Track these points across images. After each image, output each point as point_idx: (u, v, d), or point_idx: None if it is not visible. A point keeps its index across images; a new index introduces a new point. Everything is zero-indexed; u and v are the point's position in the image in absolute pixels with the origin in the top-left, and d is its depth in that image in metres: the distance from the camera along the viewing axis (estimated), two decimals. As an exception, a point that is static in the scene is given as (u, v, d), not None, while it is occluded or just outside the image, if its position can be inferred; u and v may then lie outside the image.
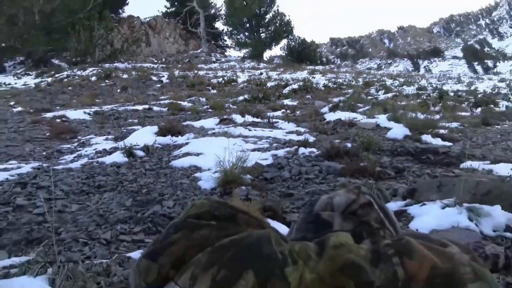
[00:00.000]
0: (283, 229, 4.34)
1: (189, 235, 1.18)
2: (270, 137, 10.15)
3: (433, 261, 1.06)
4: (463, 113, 15.40)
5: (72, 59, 39.58)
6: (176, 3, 61.70)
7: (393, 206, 5.11)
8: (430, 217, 4.42)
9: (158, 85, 27.32)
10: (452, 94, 20.74)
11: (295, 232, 1.39)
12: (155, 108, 16.95)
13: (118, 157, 8.17)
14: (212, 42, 59.37)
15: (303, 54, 55.19)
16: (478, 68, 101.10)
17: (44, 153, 9.29)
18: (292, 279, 1.03)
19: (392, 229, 1.38)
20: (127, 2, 57.07)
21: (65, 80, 29.18)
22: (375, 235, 1.32)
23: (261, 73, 33.63)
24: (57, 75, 31.25)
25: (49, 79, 29.84)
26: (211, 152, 7.28)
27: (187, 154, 8.31)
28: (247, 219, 1.24)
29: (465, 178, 4.80)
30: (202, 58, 50.36)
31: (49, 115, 14.87)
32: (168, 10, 62.54)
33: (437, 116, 13.48)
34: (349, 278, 1.04)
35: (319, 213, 1.37)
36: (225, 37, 63.39)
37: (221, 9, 60.87)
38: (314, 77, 29.41)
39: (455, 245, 1.17)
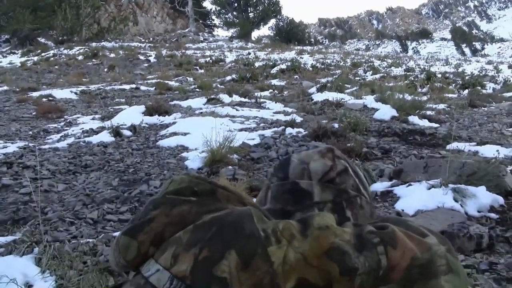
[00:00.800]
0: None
1: (168, 212, 1.15)
2: (257, 117, 10.14)
3: (414, 252, 1.07)
4: (450, 95, 15.46)
5: (58, 38, 39.23)
6: (163, -19, 61.29)
7: (380, 186, 5.14)
8: (416, 197, 4.45)
9: (146, 65, 27.22)
10: (439, 75, 20.79)
11: (271, 201, 1.34)
12: (142, 87, 16.89)
13: (105, 137, 8.13)
14: (200, 21, 58.99)
15: (291, 34, 55.14)
16: (466, 50, 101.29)
17: (30, 132, 9.23)
18: (275, 258, 1.02)
19: (366, 195, 1.38)
20: (114, -20, 56.56)
21: (52, 59, 28.96)
22: (353, 204, 1.33)
23: (249, 53, 33.54)
24: (43, 54, 30.99)
25: (35, 58, 29.59)
26: (198, 131, 7.26)
27: (174, 133, 8.30)
28: (227, 195, 1.21)
29: (451, 159, 4.82)
30: (190, 37, 50.09)
31: (35, 94, 14.76)
32: (156, -11, 62.10)
33: (424, 98, 13.53)
34: (334, 263, 1.03)
35: (297, 182, 1.32)
36: (213, 17, 63.09)
37: (209, -12, 60.54)
38: (302, 58, 29.36)
39: (433, 235, 1.17)
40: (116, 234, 3.79)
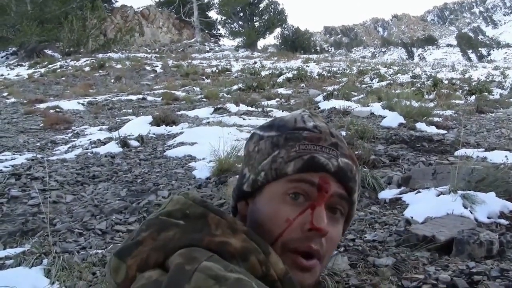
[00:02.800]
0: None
1: (156, 236, 1.09)
2: (264, 126, 10.13)
3: None
4: (457, 101, 15.43)
5: (65, 49, 39.42)
6: (169, -8, 61.52)
7: (388, 194, 5.12)
8: (425, 204, 4.44)
9: (152, 75, 27.30)
10: (446, 82, 20.78)
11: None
12: (149, 98, 16.94)
13: (113, 147, 8.16)
14: (206, 31, 59.12)
15: (297, 43, 55.17)
16: (472, 56, 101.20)
17: (38, 144, 9.27)
18: None
19: None
20: (120, -9, 56.90)
21: (59, 70, 29.11)
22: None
23: (255, 62, 33.61)
24: (50, 66, 31.15)
25: (42, 70, 29.74)
26: (206, 141, 7.27)
27: (181, 143, 8.31)
28: (217, 220, 1.11)
29: (459, 165, 4.81)
30: (196, 47, 50.23)
31: (42, 105, 14.84)
32: (161, 0, 62.31)
33: (432, 104, 13.48)
34: None
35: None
36: (219, 26, 63.19)
37: (214, -2, 60.72)
38: (308, 66, 29.42)
39: None
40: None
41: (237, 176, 1.37)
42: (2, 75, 29.15)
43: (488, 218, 4.16)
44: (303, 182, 1.19)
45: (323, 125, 1.28)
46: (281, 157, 1.21)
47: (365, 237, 3.96)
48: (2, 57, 40.58)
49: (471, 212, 4.15)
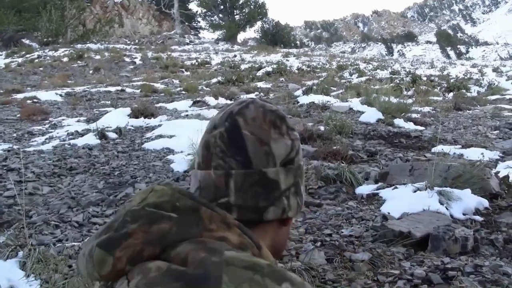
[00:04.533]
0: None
1: (147, 228, 1.05)
2: (243, 119, 10.13)
3: None
4: (436, 98, 15.54)
5: (43, 39, 39.00)
6: (149, -17, 61.26)
7: (365, 189, 5.16)
8: (402, 200, 4.48)
9: (131, 67, 27.14)
10: (425, 78, 20.87)
11: (236, 194, 1.21)
12: (128, 89, 16.84)
13: (91, 139, 8.11)
14: (186, 23, 58.92)
15: (277, 37, 55.20)
16: (451, 53, 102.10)
17: (14, 134, 9.17)
18: None
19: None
20: (99, -18, 56.45)
21: (36, 60, 28.79)
22: (302, 175, 1.31)
23: (235, 56, 33.54)
24: (28, 56, 30.79)
25: (20, 60, 29.40)
26: (184, 134, 7.24)
27: (160, 136, 8.28)
28: (210, 214, 1.08)
29: (436, 162, 4.85)
30: (176, 39, 50.00)
31: (19, 96, 14.69)
32: (142, -9, 62.05)
33: (410, 101, 13.59)
34: None
35: (265, 172, 1.21)
36: (199, 19, 63.08)
37: (195, -10, 60.53)
38: (288, 60, 29.40)
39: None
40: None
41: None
42: (-22, 64, 28.83)
43: (464, 214, 4.22)
44: None
45: None
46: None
47: (342, 232, 3.98)
48: (-22, 46, 40.12)
49: (447, 209, 4.20)
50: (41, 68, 25.48)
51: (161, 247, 1.04)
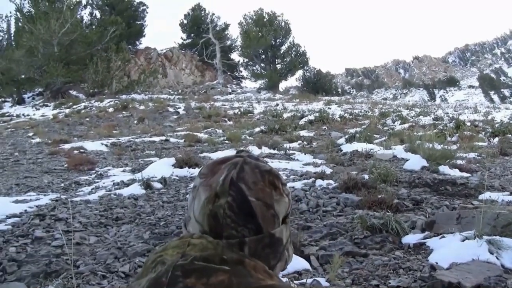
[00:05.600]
0: (301, 263, 4.34)
1: (206, 281, 1.07)
2: (287, 168, 10.14)
3: None
4: (481, 143, 15.31)
5: (89, 90, 40.07)
6: (192, 34, 62.50)
7: (412, 238, 5.08)
8: (450, 249, 4.39)
9: (175, 116, 27.51)
10: (469, 124, 20.63)
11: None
12: (171, 139, 17.06)
13: (136, 189, 8.21)
14: (228, 73, 59.70)
15: (318, 84, 55.33)
16: (495, 97, 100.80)
17: (62, 184, 9.35)
18: None
19: None
20: (144, 34, 57.94)
21: (83, 111, 29.52)
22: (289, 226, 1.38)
23: (277, 104, 33.75)
24: (74, 106, 31.63)
25: (67, 110, 30.20)
26: (228, 184, 7.25)
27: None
28: (254, 265, 1.15)
29: (484, 210, 4.75)
30: (218, 89, 50.65)
31: (67, 146, 15.03)
32: (184, 42, 63.28)
33: (454, 147, 13.40)
34: None
35: (273, 233, 1.27)
36: (241, 68, 63.91)
37: (236, 41, 61.53)
38: (330, 108, 29.44)
39: None
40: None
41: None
42: (28, 115, 29.66)
43: (515, 264, 4.11)
44: None
45: None
46: None
47: (389, 283, 3.92)
48: (28, 98, 41.31)
49: (497, 258, 4.10)
50: (87, 119, 26.06)
51: None
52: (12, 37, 48.56)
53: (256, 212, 1.24)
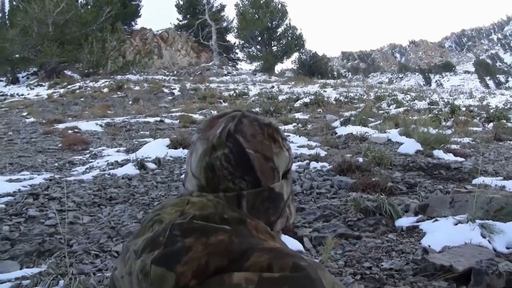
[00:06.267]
0: (294, 244, 4.35)
1: (205, 241, 1.02)
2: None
3: None
4: (475, 128, 15.34)
5: (84, 71, 39.84)
6: (188, 16, 62.07)
7: (405, 221, 5.09)
8: (442, 233, 4.40)
9: (170, 97, 27.42)
10: (464, 109, 20.64)
11: (250, 212, 1.20)
12: (166, 120, 17.03)
13: (130, 169, 8.20)
14: (224, 55, 59.51)
15: (314, 67, 55.18)
16: (490, 83, 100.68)
17: (56, 164, 9.34)
18: None
19: None
20: (139, 14, 57.53)
21: (78, 91, 29.39)
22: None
23: (273, 87, 33.67)
24: (69, 86, 31.47)
25: (62, 90, 30.04)
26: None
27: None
28: (255, 225, 1.11)
29: (477, 194, 4.77)
30: (214, 70, 50.47)
31: (61, 126, 14.98)
32: (180, 23, 62.84)
33: (449, 131, 13.43)
34: None
35: (273, 188, 1.23)
36: (237, 50, 63.65)
37: (233, 22, 61.19)
38: (325, 91, 29.38)
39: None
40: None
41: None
42: (22, 94, 29.54)
43: (507, 248, 4.13)
44: None
45: None
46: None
47: (382, 265, 3.93)
48: (22, 77, 41.07)
49: (489, 242, 4.12)
50: (82, 99, 25.95)
51: (228, 258, 1.02)
52: (6, 16, 48.21)
53: (254, 164, 1.20)
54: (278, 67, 62.96)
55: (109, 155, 10.13)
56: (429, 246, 4.22)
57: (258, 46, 58.93)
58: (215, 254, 1.02)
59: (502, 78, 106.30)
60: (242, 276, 0.99)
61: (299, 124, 16.15)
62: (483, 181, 6.67)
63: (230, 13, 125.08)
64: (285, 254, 1.02)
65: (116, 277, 1.15)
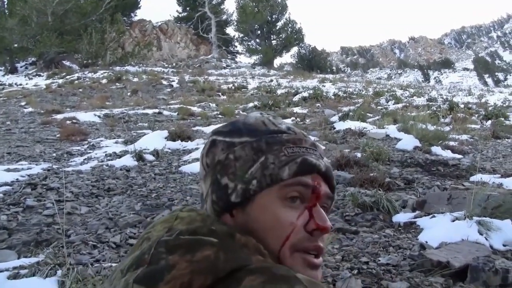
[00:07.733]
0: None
1: (190, 257, 0.98)
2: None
3: None
4: (473, 126, 15.35)
5: (83, 61, 39.79)
6: (188, 8, 61.90)
7: (403, 217, 5.11)
8: (440, 229, 4.41)
9: (168, 89, 27.38)
10: (462, 106, 20.64)
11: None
12: (165, 112, 17.01)
13: (128, 161, 8.21)
14: (223, 47, 59.45)
15: (313, 62, 55.22)
16: (489, 80, 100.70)
17: (54, 154, 9.33)
18: None
19: None
20: (139, 6, 57.35)
21: (76, 82, 29.32)
22: None
23: (271, 80, 33.63)
24: (68, 77, 31.39)
25: (60, 81, 29.98)
26: (221, 158, 7.26)
27: (196, 159, 8.29)
28: (245, 240, 1.06)
29: (475, 191, 4.78)
30: (213, 63, 50.41)
31: (59, 116, 14.97)
32: (180, 15, 62.69)
33: (447, 128, 13.43)
34: None
35: None
36: (236, 43, 63.57)
37: (232, 15, 61.07)
38: (324, 86, 29.36)
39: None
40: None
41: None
42: (20, 84, 29.46)
43: (504, 245, 4.14)
44: (300, 185, 1.15)
45: (292, 126, 1.27)
46: (271, 162, 1.15)
47: (379, 260, 3.94)
48: (21, 67, 40.99)
49: (486, 239, 4.13)
50: (80, 90, 25.88)
51: (212, 277, 0.97)
52: (6, 5, 48.03)
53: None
54: (277, 61, 63.14)
55: (107, 146, 10.13)
56: (426, 242, 4.23)
57: (257, 40, 58.89)
58: (199, 272, 0.97)
59: (501, 76, 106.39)
60: None
61: (298, 119, 16.13)
62: (481, 178, 6.70)
63: (230, 6, 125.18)
64: (279, 279, 0.95)
65: None
